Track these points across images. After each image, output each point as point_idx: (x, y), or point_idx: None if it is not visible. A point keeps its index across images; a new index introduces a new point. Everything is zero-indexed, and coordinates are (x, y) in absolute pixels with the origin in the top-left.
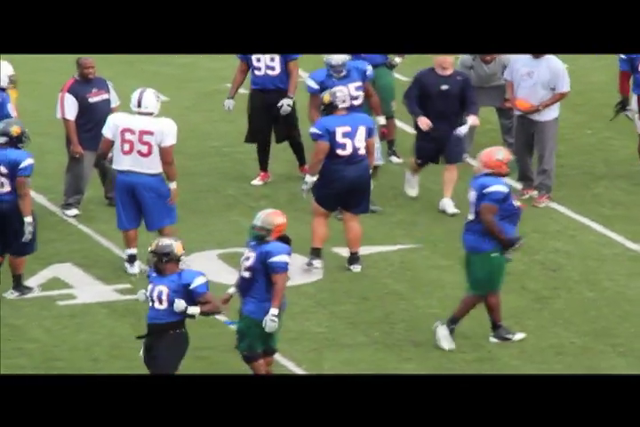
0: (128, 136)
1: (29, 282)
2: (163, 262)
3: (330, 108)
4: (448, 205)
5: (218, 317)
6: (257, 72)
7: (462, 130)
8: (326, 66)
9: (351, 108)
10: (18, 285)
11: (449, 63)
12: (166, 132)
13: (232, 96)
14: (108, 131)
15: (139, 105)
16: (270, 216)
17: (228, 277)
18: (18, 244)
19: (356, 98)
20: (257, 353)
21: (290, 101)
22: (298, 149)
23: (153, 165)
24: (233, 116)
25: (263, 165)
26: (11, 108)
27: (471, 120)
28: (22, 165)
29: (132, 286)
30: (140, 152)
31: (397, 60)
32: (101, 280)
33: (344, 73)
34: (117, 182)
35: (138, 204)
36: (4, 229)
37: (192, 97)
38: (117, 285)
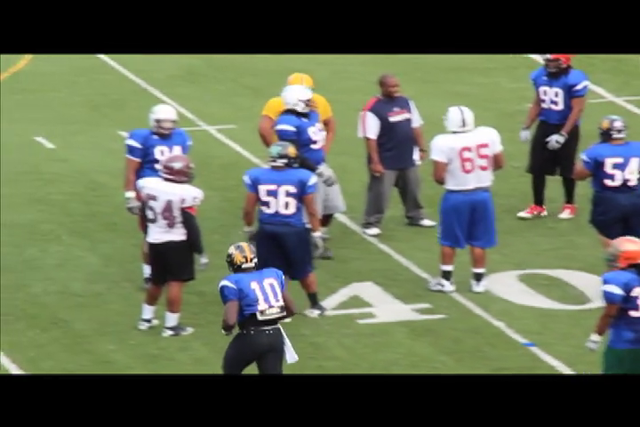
0: (467, 154)
1: (330, 300)
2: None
3: (605, 136)
4: None
5: (516, 337)
6: (543, 105)
7: None
8: None
9: None
10: (315, 303)
11: None
12: (495, 139)
13: (527, 127)
14: (441, 155)
15: (463, 124)
16: (617, 242)
17: (529, 298)
18: (297, 267)
19: None
20: None
21: (560, 138)
22: (568, 186)
23: (490, 177)
24: None
25: (535, 198)
26: (312, 133)
27: None
28: (310, 183)
29: (431, 305)
30: (480, 167)
31: None
32: (401, 299)
33: None
34: (455, 202)
35: (471, 223)
36: (288, 253)
37: (495, 117)
38: (416, 304)
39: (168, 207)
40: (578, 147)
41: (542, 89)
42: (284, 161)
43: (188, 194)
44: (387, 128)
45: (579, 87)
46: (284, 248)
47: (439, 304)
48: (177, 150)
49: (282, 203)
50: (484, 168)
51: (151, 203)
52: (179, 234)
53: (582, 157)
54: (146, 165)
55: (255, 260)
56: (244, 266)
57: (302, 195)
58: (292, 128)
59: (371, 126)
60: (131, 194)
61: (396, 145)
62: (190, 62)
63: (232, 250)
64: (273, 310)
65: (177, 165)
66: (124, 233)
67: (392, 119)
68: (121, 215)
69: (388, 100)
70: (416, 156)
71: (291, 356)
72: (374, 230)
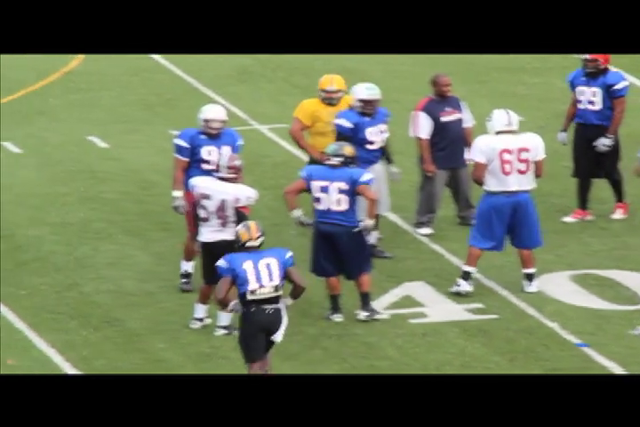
0: (507, 156)
1: (382, 300)
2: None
3: None
4: None
5: (569, 338)
6: (579, 105)
7: None
8: None
9: None
10: (365, 304)
11: None
12: (539, 146)
13: (564, 129)
14: (480, 155)
15: (509, 123)
16: None
17: (582, 299)
18: (350, 267)
19: None
20: None
21: (607, 141)
22: (615, 186)
23: (530, 182)
24: None
25: (580, 202)
26: (369, 132)
27: None
28: (362, 179)
29: (483, 305)
30: (519, 170)
31: None
32: (453, 299)
33: None
34: (496, 203)
35: (513, 224)
36: (341, 253)
37: (547, 117)
38: (469, 304)
39: (222, 206)
40: (619, 147)
41: (579, 89)
42: (340, 159)
43: (243, 194)
44: (439, 128)
45: (618, 87)
46: (337, 248)
47: (492, 304)
48: (226, 150)
49: (333, 199)
50: (522, 172)
51: (204, 202)
52: (231, 233)
53: (639, 155)
54: (193, 164)
55: (261, 239)
56: (248, 244)
57: (353, 193)
58: (348, 124)
59: (423, 126)
60: (178, 193)
61: (447, 145)
62: (242, 62)
63: (239, 228)
64: (264, 289)
65: (239, 163)
66: (176, 232)
67: (444, 119)
68: (173, 214)
69: (440, 99)
70: (467, 156)
71: (278, 335)
72: (426, 230)
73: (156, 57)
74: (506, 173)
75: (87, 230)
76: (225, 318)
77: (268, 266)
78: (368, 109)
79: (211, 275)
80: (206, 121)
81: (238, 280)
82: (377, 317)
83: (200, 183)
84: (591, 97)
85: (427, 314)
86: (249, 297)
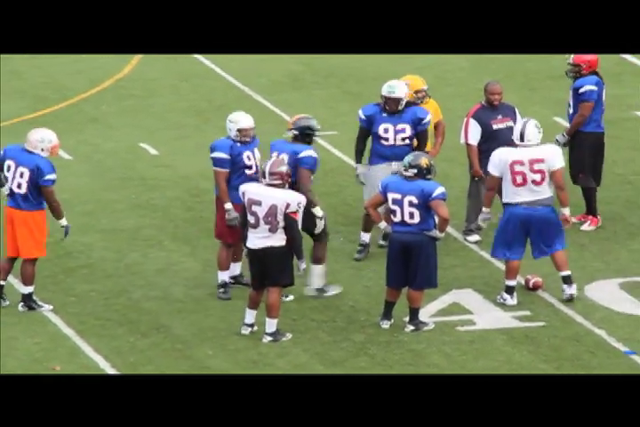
0: (518, 168)
1: (429, 307)
2: None
3: None
4: None
5: (617, 345)
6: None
7: None
8: None
9: None
10: (412, 319)
11: None
12: (554, 157)
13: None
14: (494, 169)
15: (521, 139)
16: None
17: (630, 306)
18: (421, 278)
19: None
20: None
21: (560, 138)
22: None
23: (545, 193)
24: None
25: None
26: (383, 129)
27: None
28: (434, 194)
29: (531, 312)
30: (533, 181)
31: None
32: (500, 307)
33: None
34: (511, 215)
35: (527, 235)
36: (409, 262)
37: None
38: (516, 311)
39: (272, 212)
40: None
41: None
42: (414, 171)
43: (293, 199)
44: (488, 135)
45: (582, 91)
46: (410, 258)
47: (539, 312)
48: (257, 152)
49: (407, 212)
50: (536, 183)
51: (254, 208)
52: (278, 239)
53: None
54: (236, 172)
55: None
56: None
57: (426, 203)
58: (361, 115)
59: (472, 133)
60: (229, 205)
61: None
62: (294, 68)
63: None
64: None
65: (284, 169)
66: None
67: (495, 126)
68: None
69: (491, 107)
70: None
71: None
72: (475, 237)
73: (208, 63)
74: (517, 185)
75: (137, 237)
76: (272, 324)
77: None
78: (388, 106)
79: (259, 281)
80: (241, 130)
81: None
82: (423, 329)
83: (250, 189)
84: (570, 100)
85: (474, 321)
86: None
